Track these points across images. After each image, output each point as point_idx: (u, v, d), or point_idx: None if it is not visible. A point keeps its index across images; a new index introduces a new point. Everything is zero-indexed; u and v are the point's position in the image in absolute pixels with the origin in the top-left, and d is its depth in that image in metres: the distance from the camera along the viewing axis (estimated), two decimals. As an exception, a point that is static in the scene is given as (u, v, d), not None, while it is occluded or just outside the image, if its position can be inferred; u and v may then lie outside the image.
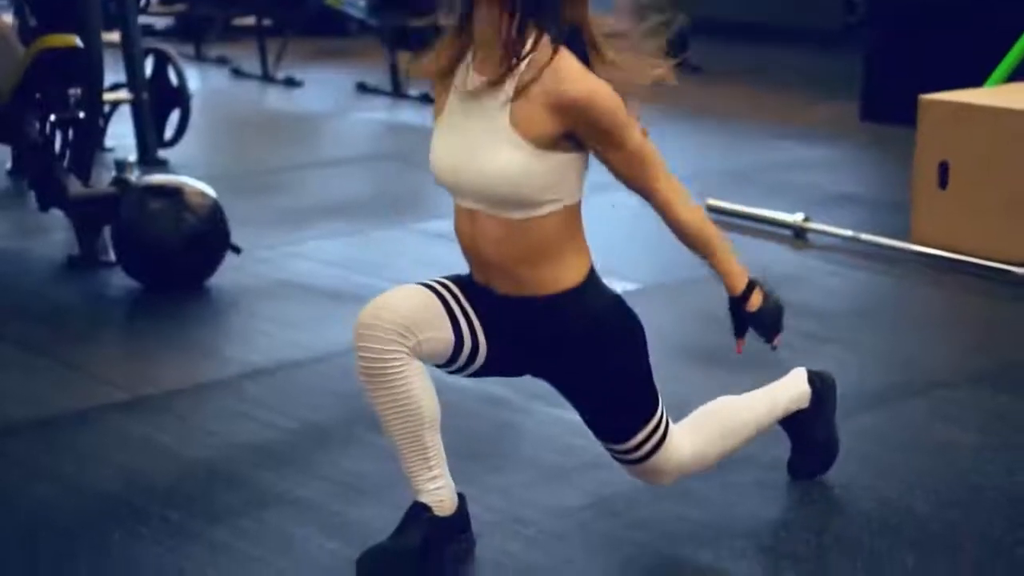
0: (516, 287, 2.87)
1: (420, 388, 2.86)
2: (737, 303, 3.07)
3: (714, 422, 3.21)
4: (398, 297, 2.85)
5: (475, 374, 3.00)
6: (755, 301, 3.07)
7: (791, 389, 3.36)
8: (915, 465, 3.53)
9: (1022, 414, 3.86)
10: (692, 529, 3.19)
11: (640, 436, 3.01)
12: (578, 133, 2.77)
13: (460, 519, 3.00)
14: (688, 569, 3.01)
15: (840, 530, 3.19)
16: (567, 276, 2.87)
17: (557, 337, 2.90)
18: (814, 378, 3.41)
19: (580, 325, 2.89)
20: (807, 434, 3.39)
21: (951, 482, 3.42)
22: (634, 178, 2.88)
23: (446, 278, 2.96)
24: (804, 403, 3.37)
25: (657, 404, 3.02)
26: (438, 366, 2.95)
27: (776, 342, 3.13)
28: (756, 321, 3.08)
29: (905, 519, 3.23)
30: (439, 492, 2.95)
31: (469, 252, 2.92)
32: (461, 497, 3.02)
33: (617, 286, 4.02)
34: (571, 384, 3.00)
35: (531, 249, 2.82)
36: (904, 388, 4.05)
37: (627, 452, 3.04)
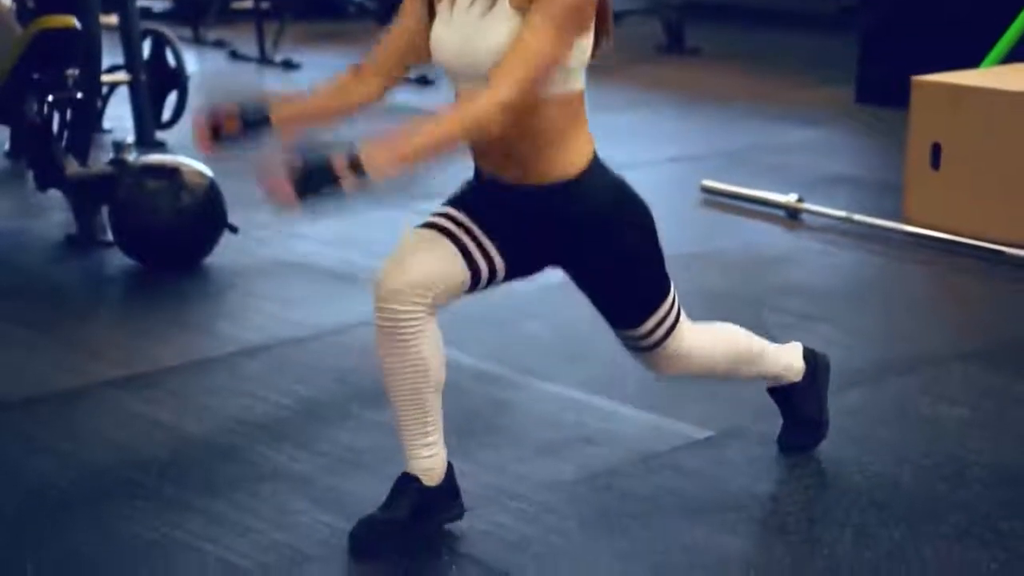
0: (523, 174, 2.89)
1: (432, 350, 2.93)
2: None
3: (727, 337, 3.29)
4: (412, 256, 2.90)
5: (501, 283, 3.04)
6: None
7: (788, 356, 3.41)
8: (903, 440, 3.57)
9: (1010, 391, 3.90)
10: (683, 502, 3.23)
11: (652, 321, 3.05)
12: None
13: (449, 488, 3.04)
14: (678, 542, 3.05)
15: (829, 504, 3.23)
16: (573, 161, 2.90)
17: (567, 222, 2.93)
18: (809, 355, 3.46)
19: (589, 208, 2.92)
20: (798, 409, 3.44)
21: (938, 457, 3.46)
22: (503, 61, 2.76)
23: (451, 204, 2.99)
24: (797, 377, 3.41)
25: (669, 289, 3.07)
26: (463, 295, 2.99)
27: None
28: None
29: (892, 493, 3.27)
30: (431, 460, 3.00)
31: (478, 143, 2.91)
32: (449, 466, 3.06)
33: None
34: (585, 269, 3.02)
35: (536, 133, 2.84)
36: (893, 366, 4.09)
37: (640, 338, 3.08)
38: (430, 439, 3.00)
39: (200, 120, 3.00)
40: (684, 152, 6.84)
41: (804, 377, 3.43)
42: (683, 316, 3.14)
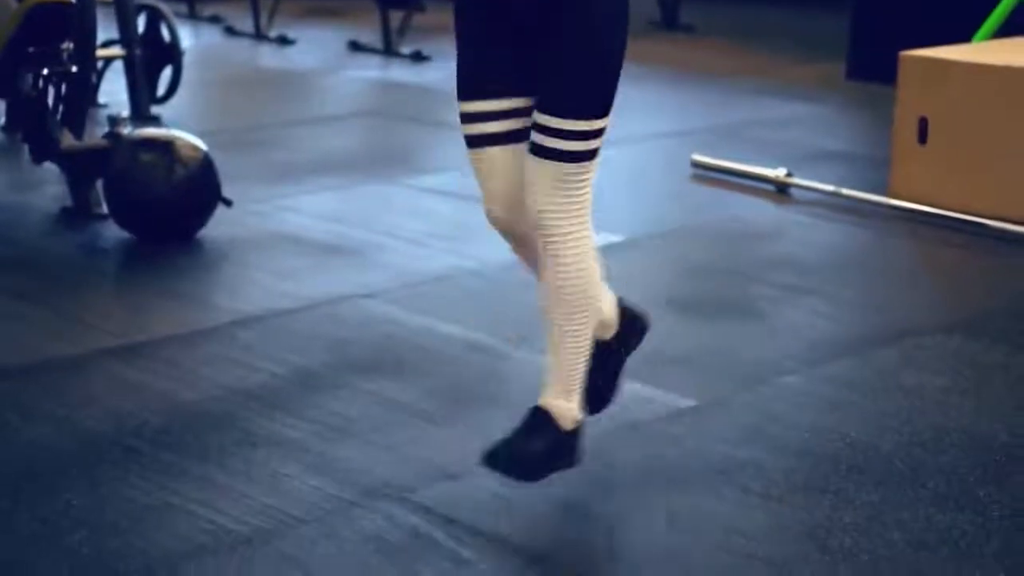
0: None
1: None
2: None
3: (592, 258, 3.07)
4: (495, 184, 3.01)
5: None
6: None
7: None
8: (883, 409, 3.64)
9: (991, 360, 3.96)
10: (666, 468, 3.30)
11: (580, 125, 2.90)
12: None
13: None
14: (661, 506, 3.11)
15: (809, 470, 3.29)
16: None
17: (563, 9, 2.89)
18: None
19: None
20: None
21: (917, 424, 3.53)
22: None
23: (465, 97, 2.99)
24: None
25: (609, 109, 2.97)
26: None
27: None
28: None
29: (872, 459, 3.34)
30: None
31: None
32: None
33: (603, 238, 4.12)
34: (552, 40, 2.91)
35: None
36: (876, 336, 4.15)
37: (560, 135, 2.90)
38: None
39: None
40: (675, 127, 6.89)
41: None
42: (590, 199, 3.00)
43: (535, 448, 3.01)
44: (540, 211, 2.93)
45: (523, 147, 2.96)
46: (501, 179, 3.00)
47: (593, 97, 2.93)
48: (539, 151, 2.92)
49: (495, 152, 2.99)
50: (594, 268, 3.01)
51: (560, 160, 2.90)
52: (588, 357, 3.07)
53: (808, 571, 2.83)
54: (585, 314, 3.01)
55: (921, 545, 2.94)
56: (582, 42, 2.91)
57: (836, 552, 2.91)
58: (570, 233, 2.95)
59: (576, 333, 3.02)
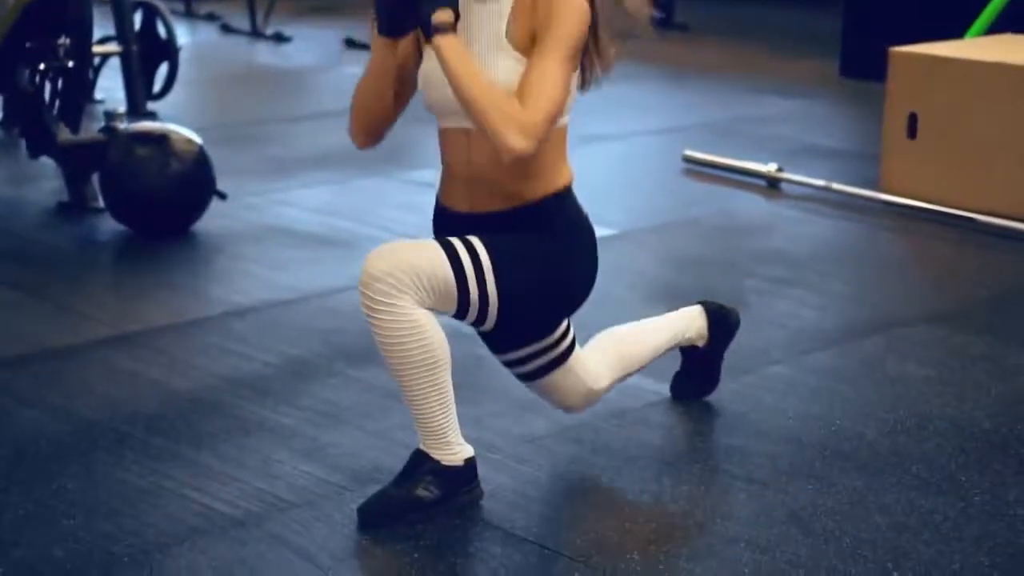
0: (507, 201, 2.98)
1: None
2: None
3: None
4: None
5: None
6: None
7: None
8: (868, 397, 3.68)
9: (975, 351, 4.01)
10: (652, 454, 3.34)
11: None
12: (536, 21, 2.86)
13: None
14: (647, 490, 3.16)
15: (794, 456, 3.34)
16: (555, 180, 3.00)
17: (533, 227, 2.99)
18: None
19: (555, 224, 3.00)
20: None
21: (901, 412, 3.57)
22: (527, 92, 2.85)
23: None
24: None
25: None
26: None
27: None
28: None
29: (856, 445, 3.38)
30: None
31: (461, 176, 3.00)
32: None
33: (596, 231, 4.17)
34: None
35: (525, 166, 2.92)
36: (863, 327, 4.20)
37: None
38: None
39: None
40: (668, 123, 6.94)
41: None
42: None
43: (400, 493, 2.98)
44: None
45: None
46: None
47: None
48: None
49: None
50: (415, 337, 2.89)
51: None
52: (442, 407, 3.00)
53: (790, 553, 2.88)
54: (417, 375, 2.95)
55: (903, 528, 2.99)
56: (540, 242, 2.99)
57: (819, 535, 2.96)
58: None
59: (412, 394, 2.97)
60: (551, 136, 2.93)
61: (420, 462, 3.01)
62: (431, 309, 2.91)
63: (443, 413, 2.97)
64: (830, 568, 2.83)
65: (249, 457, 3.29)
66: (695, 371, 3.61)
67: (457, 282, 2.91)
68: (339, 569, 2.82)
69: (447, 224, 3.08)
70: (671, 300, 4.40)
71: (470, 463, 3.03)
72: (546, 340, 3.19)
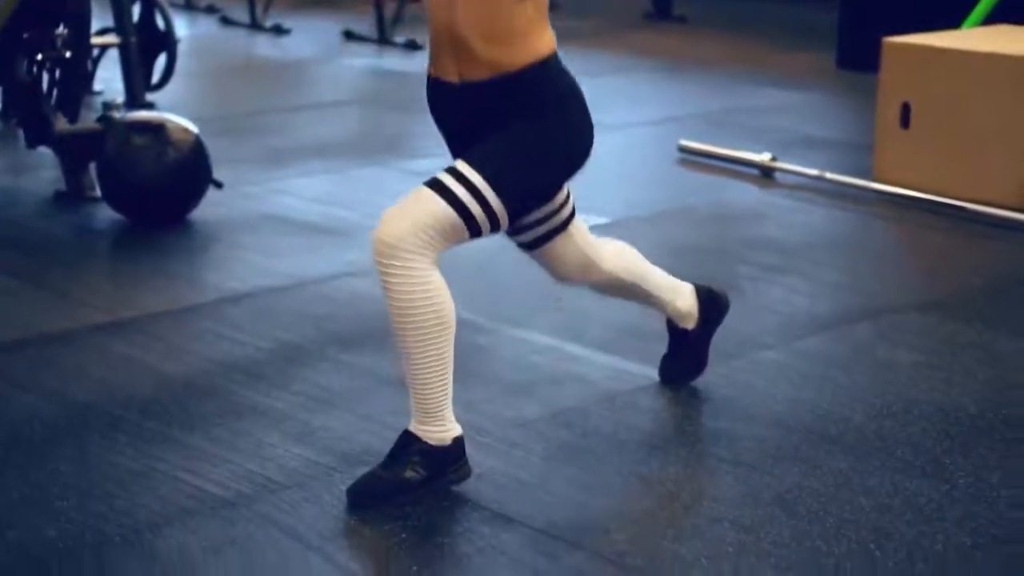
0: (491, 69, 2.98)
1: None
2: None
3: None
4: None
5: None
6: None
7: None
8: (856, 382, 3.71)
9: (964, 338, 4.04)
10: (642, 438, 3.37)
11: (485, 187, 2.96)
12: None
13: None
14: (635, 473, 3.19)
15: (781, 439, 3.37)
16: (539, 47, 3.00)
17: (522, 103, 3.00)
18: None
19: (544, 92, 3.00)
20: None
21: (889, 397, 3.60)
22: None
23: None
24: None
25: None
26: None
27: None
28: None
29: (843, 429, 3.41)
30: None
31: (444, 39, 3.01)
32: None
33: (589, 219, 4.20)
34: (502, 131, 3.00)
35: (507, 31, 2.95)
36: (853, 314, 4.23)
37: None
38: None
39: None
40: (664, 114, 6.96)
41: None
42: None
43: (388, 475, 3.02)
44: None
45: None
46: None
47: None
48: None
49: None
50: (427, 300, 2.95)
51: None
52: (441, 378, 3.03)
53: (775, 533, 2.91)
54: (423, 340, 2.99)
55: (886, 510, 3.02)
56: (525, 128, 3.00)
57: (803, 516, 2.99)
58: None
59: (415, 359, 3.00)
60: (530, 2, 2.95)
61: (408, 443, 3.04)
62: (448, 247, 2.98)
63: (441, 385, 3.02)
64: (813, 548, 2.85)
65: (241, 440, 3.33)
66: (683, 354, 3.64)
67: (462, 217, 2.95)
68: (327, 548, 2.85)
69: (441, 98, 3.09)
70: (663, 287, 4.44)
71: (458, 442, 3.06)
72: (547, 208, 3.20)
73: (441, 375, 3.01)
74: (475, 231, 3.00)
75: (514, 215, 3.05)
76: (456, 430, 3.07)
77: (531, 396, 3.59)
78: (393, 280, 2.94)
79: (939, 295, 4.44)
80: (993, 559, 2.82)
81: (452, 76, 3.05)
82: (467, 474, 3.08)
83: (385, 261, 2.93)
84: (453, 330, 3.00)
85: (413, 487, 3.02)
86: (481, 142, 3.01)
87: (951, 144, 5.42)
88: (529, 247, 3.31)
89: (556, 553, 2.84)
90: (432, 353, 2.98)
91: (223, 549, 2.84)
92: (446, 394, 3.04)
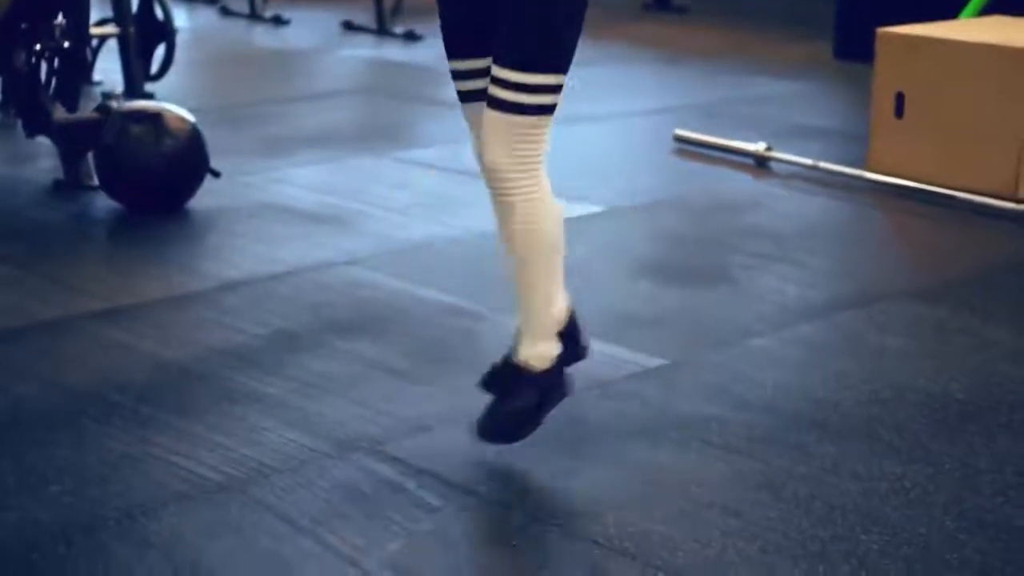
0: None
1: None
2: None
3: (558, 227, 3.16)
4: (476, 133, 3.13)
5: None
6: None
7: (553, 330, 3.24)
8: (846, 369, 3.74)
9: (954, 325, 4.07)
10: (632, 424, 3.40)
11: (536, 79, 2.97)
12: None
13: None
14: (624, 459, 3.22)
15: (771, 425, 3.40)
16: None
17: None
18: (568, 346, 3.29)
19: None
20: (518, 397, 3.22)
21: (878, 383, 3.63)
22: None
23: (453, 56, 3.14)
24: (540, 364, 3.21)
25: (566, 69, 3.06)
26: None
27: None
28: None
29: (831, 415, 3.45)
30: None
31: None
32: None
33: (583, 208, 4.24)
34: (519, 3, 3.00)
35: None
36: (844, 301, 4.26)
37: (515, 88, 2.99)
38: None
39: None
40: (661, 104, 6.99)
41: (543, 373, 3.22)
42: (548, 142, 3.09)
43: (517, 406, 3.17)
44: (492, 166, 3.03)
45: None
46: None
47: (547, 52, 3.02)
48: (492, 103, 3.02)
49: (477, 107, 3.12)
50: (550, 217, 3.10)
51: (512, 112, 3.00)
52: (558, 300, 3.21)
53: (762, 517, 2.94)
54: (547, 257, 3.14)
55: (873, 494, 3.05)
56: (541, 4, 3.00)
57: (790, 500, 3.02)
58: (522, 185, 3.06)
59: (537, 277, 3.15)
60: None
61: (516, 374, 3.19)
62: (547, 135, 3.06)
63: (554, 300, 3.19)
64: (800, 531, 2.89)
65: (235, 425, 3.36)
66: (513, 408, 3.22)
67: (533, 114, 3.00)
68: (320, 532, 2.88)
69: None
70: (656, 274, 4.47)
71: (559, 360, 3.22)
72: (556, 78, 3.03)
73: (556, 290, 3.18)
74: (551, 108, 3.04)
75: (567, 67, 3.05)
76: (557, 348, 3.22)
77: (523, 382, 3.62)
78: (510, 199, 3.05)
79: (930, 283, 4.47)
80: (977, 542, 2.86)
81: None
82: (572, 389, 3.26)
83: (497, 186, 3.05)
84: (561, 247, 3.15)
85: (531, 414, 3.16)
86: (497, 30, 3.02)
87: (944, 134, 5.45)
88: (515, 109, 3.01)
89: (544, 537, 2.87)
90: (552, 268, 3.14)
91: (217, 533, 2.88)
92: (555, 310, 3.21)
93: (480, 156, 3.12)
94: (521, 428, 3.20)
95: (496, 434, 3.19)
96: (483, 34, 3.10)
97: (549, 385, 3.22)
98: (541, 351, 3.20)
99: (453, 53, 3.17)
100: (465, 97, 3.19)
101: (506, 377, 3.23)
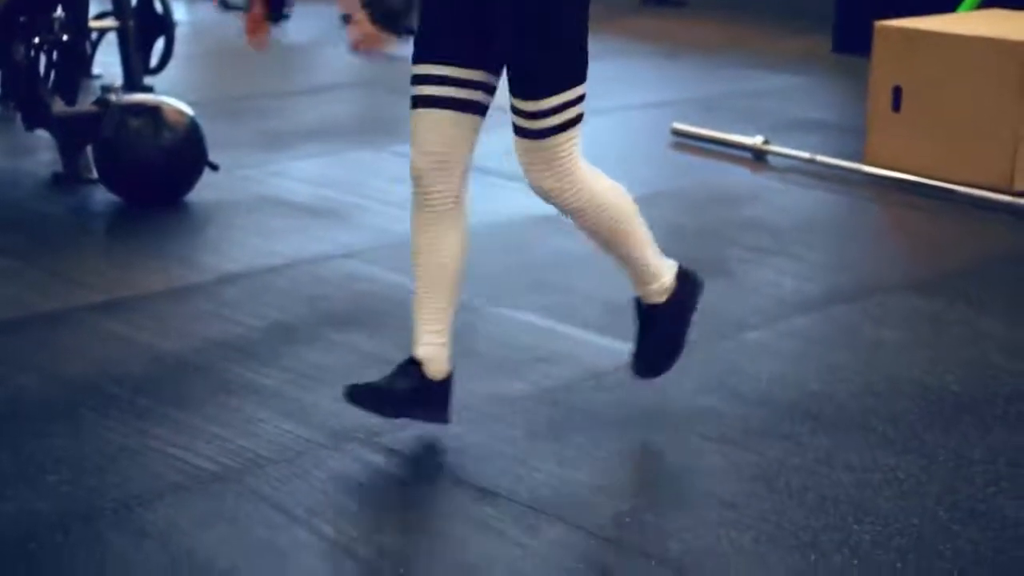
0: None
1: (463, 232, 3.21)
2: None
3: (616, 193, 3.27)
4: (427, 138, 3.14)
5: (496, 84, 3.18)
6: None
7: (660, 262, 3.39)
8: (842, 360, 3.76)
9: (949, 318, 4.08)
10: (626, 415, 3.42)
11: (552, 102, 3.04)
12: None
13: (444, 391, 3.25)
14: (617, 449, 3.24)
15: (766, 417, 3.41)
16: None
17: None
18: (684, 276, 3.45)
19: None
20: (657, 328, 3.42)
21: (873, 375, 3.65)
22: None
23: (421, 60, 3.12)
24: (661, 296, 3.38)
25: (582, 81, 3.10)
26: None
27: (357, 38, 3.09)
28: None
29: (825, 406, 3.46)
30: (433, 350, 3.22)
31: None
32: (449, 377, 3.26)
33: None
34: (514, 24, 3.04)
35: None
36: (840, 294, 4.27)
37: (534, 117, 3.06)
38: (439, 327, 3.22)
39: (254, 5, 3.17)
40: (659, 98, 7.00)
41: (670, 299, 3.40)
42: (580, 138, 3.16)
43: (663, 335, 3.43)
44: (539, 192, 3.17)
45: (460, 115, 3.10)
46: (434, 140, 3.11)
47: (558, 72, 3.08)
48: (523, 133, 3.10)
49: (435, 114, 3.11)
50: (606, 195, 3.23)
51: (539, 139, 3.09)
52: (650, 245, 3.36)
53: (755, 508, 2.96)
54: (624, 224, 3.28)
55: (866, 485, 3.06)
56: (540, 23, 3.03)
57: (783, 491, 3.03)
58: (572, 194, 3.16)
59: (626, 241, 3.31)
60: None
61: (650, 312, 3.39)
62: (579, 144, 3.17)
63: (646, 244, 3.35)
64: (794, 522, 2.90)
65: (232, 416, 3.38)
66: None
67: (564, 130, 3.10)
68: (314, 522, 2.90)
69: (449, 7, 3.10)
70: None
71: (681, 271, 3.42)
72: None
73: (647, 236, 3.34)
74: (577, 120, 3.11)
75: (583, 75, 3.10)
76: (673, 265, 3.41)
77: (517, 374, 3.64)
78: (570, 208, 3.20)
79: (926, 276, 4.48)
80: (969, 532, 2.87)
81: None
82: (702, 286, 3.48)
83: (554, 204, 3.19)
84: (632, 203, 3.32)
85: (682, 322, 3.40)
86: (507, 58, 3.07)
87: (941, 127, 5.45)
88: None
89: (538, 526, 2.88)
90: (633, 223, 3.29)
91: (212, 522, 2.89)
92: (652, 250, 3.36)
93: (421, 166, 3.14)
94: (673, 354, 3.43)
95: (652, 368, 3.44)
96: (470, 42, 3.10)
97: (677, 309, 3.40)
98: (658, 287, 3.37)
99: (430, 56, 3.12)
100: (427, 102, 3.12)
101: (644, 318, 3.43)
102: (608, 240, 3.30)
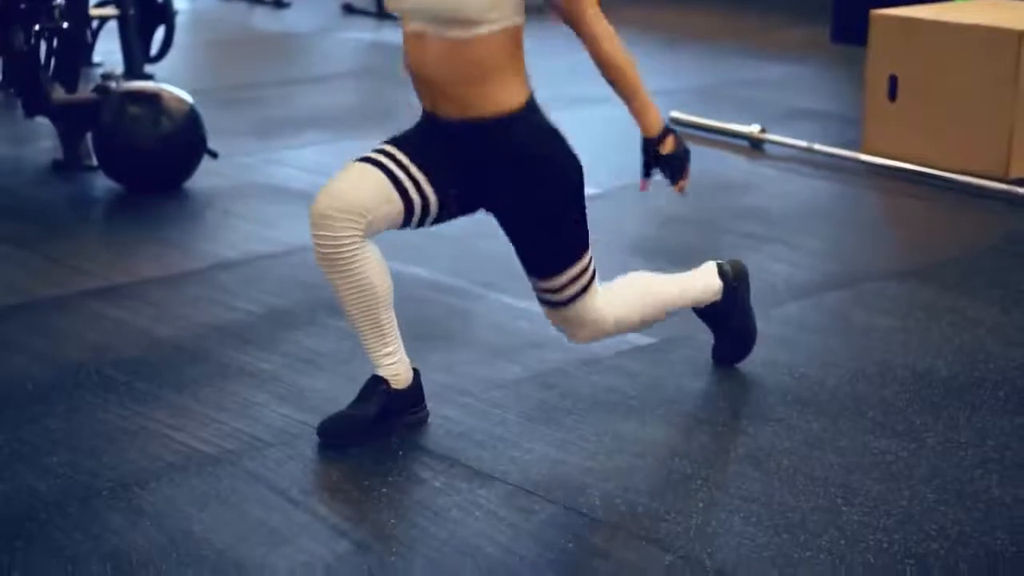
0: (461, 109, 3.07)
1: (373, 270, 3.13)
2: (651, 144, 3.27)
3: (634, 291, 3.42)
4: (346, 184, 3.09)
5: (434, 223, 3.23)
6: (668, 145, 3.27)
7: (701, 280, 3.54)
8: (832, 346, 3.79)
9: (943, 304, 4.11)
10: (620, 399, 3.45)
11: (567, 275, 3.21)
12: None
13: (414, 393, 3.27)
14: (611, 432, 3.27)
15: (756, 401, 3.45)
16: (509, 98, 3.07)
17: (498, 159, 3.10)
18: (725, 271, 3.58)
19: (520, 146, 3.10)
20: (724, 323, 3.60)
21: (863, 360, 3.68)
22: (568, 4, 3.11)
23: (389, 143, 3.17)
24: (716, 296, 3.55)
25: (587, 247, 3.23)
26: (398, 228, 3.19)
27: (680, 187, 3.31)
28: (666, 162, 3.27)
29: (817, 391, 3.49)
30: (394, 367, 3.21)
31: (418, 78, 3.11)
32: (416, 373, 3.28)
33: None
34: (511, 211, 3.18)
35: (475, 67, 3.01)
36: (833, 281, 4.30)
37: (554, 291, 3.23)
38: (389, 348, 3.22)
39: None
40: (658, 87, 6.92)
41: (724, 294, 3.56)
42: (596, 282, 3.30)
43: (733, 329, 3.61)
44: (584, 339, 3.37)
45: (393, 193, 3.10)
46: (352, 190, 3.09)
47: (569, 251, 3.23)
48: (549, 304, 3.29)
49: (369, 171, 3.12)
50: (628, 294, 3.38)
51: (564, 307, 3.27)
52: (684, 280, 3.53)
53: (745, 489, 2.99)
54: (651, 301, 3.42)
55: (855, 468, 3.09)
56: (544, 214, 3.16)
57: (773, 473, 3.07)
58: (609, 323, 3.35)
59: (663, 305, 3.46)
60: (497, 37, 3.00)
61: (713, 314, 3.56)
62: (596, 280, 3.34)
63: (687, 295, 3.52)
64: (782, 503, 2.93)
65: (228, 400, 3.41)
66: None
67: (585, 291, 3.28)
68: (310, 503, 2.93)
69: (436, 136, 3.14)
70: (647, 254, 4.52)
71: (719, 267, 3.57)
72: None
73: (679, 280, 3.56)
74: (591, 279, 3.26)
75: (587, 243, 3.24)
76: (712, 271, 3.57)
77: (513, 359, 3.67)
78: (613, 335, 3.43)
79: (918, 263, 4.51)
80: (956, 513, 2.90)
81: (439, 111, 3.12)
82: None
83: (602, 338, 3.41)
84: (647, 275, 3.54)
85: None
86: (515, 242, 3.25)
87: (937, 116, 5.48)
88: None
89: (531, 508, 2.92)
90: (666, 286, 3.51)
91: (208, 503, 2.93)
92: (688, 281, 3.58)
93: (329, 209, 3.09)
94: (748, 341, 3.60)
95: (734, 358, 3.62)
96: (448, 173, 3.13)
97: (730, 304, 3.56)
98: (711, 295, 3.54)
99: (406, 149, 3.14)
100: (370, 161, 3.14)
101: (708, 319, 3.60)
102: (656, 317, 3.46)
